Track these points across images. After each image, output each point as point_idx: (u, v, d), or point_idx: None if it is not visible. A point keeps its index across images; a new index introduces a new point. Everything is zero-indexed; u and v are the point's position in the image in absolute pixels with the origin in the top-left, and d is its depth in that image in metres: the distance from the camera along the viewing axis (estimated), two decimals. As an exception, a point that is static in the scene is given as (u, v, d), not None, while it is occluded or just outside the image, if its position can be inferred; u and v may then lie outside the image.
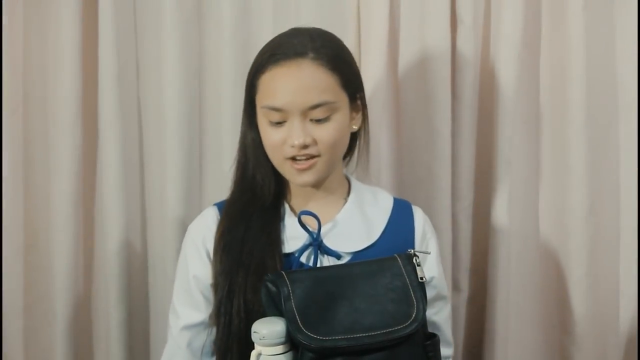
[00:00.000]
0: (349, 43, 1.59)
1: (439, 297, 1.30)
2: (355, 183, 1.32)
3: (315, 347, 1.04)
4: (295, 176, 1.20)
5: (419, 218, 1.30)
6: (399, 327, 1.08)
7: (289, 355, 1.06)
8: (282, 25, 1.57)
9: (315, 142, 1.17)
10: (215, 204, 1.30)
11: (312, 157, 1.18)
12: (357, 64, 1.58)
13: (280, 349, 1.06)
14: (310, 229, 1.21)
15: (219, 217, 1.26)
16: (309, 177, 1.19)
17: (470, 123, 1.59)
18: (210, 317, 1.23)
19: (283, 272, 1.12)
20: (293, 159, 1.18)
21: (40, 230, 1.61)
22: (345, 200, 1.28)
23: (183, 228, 1.44)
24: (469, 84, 1.57)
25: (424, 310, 1.11)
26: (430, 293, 1.24)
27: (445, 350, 1.29)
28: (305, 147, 1.16)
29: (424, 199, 1.55)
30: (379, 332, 1.07)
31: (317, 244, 1.21)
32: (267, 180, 1.25)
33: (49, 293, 1.60)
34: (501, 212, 1.57)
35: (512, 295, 1.59)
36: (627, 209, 1.62)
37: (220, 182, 1.54)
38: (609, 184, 1.62)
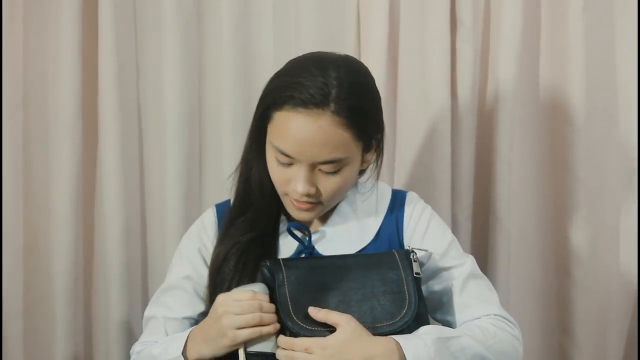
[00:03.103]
0: (349, 44, 1.60)
1: (446, 268, 1.23)
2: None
3: (303, 336, 1.05)
4: (294, 211, 1.19)
5: (410, 205, 1.27)
6: (389, 323, 1.08)
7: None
8: (282, 25, 1.58)
9: (319, 192, 1.15)
10: (216, 205, 1.30)
11: (313, 203, 1.16)
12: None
13: None
14: (301, 237, 1.21)
15: (217, 219, 1.27)
16: (306, 216, 1.18)
17: (470, 123, 1.59)
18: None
19: (280, 259, 1.13)
20: None
21: (40, 231, 1.61)
22: (339, 203, 1.26)
23: (183, 228, 1.44)
24: (469, 84, 1.57)
25: (417, 306, 1.11)
26: (431, 266, 1.22)
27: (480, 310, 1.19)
28: (307, 195, 1.15)
29: (424, 199, 1.54)
30: (367, 326, 1.07)
31: (308, 252, 1.21)
32: (267, 211, 1.23)
33: (49, 293, 1.60)
34: (501, 212, 1.57)
35: (512, 295, 1.59)
36: (627, 209, 1.62)
37: (220, 182, 1.53)
38: (608, 184, 1.62)
